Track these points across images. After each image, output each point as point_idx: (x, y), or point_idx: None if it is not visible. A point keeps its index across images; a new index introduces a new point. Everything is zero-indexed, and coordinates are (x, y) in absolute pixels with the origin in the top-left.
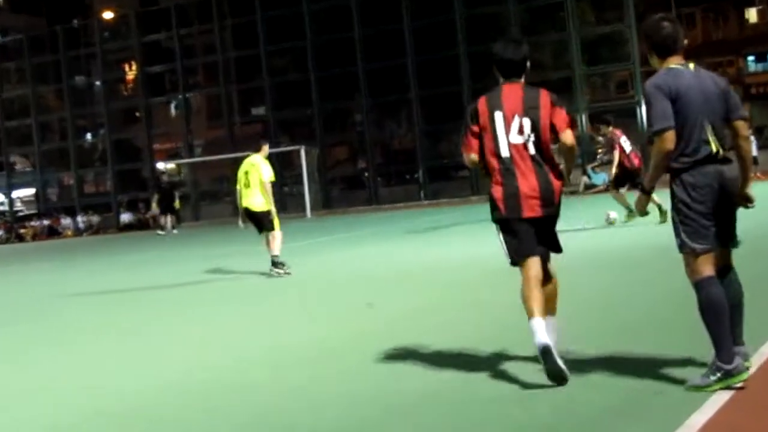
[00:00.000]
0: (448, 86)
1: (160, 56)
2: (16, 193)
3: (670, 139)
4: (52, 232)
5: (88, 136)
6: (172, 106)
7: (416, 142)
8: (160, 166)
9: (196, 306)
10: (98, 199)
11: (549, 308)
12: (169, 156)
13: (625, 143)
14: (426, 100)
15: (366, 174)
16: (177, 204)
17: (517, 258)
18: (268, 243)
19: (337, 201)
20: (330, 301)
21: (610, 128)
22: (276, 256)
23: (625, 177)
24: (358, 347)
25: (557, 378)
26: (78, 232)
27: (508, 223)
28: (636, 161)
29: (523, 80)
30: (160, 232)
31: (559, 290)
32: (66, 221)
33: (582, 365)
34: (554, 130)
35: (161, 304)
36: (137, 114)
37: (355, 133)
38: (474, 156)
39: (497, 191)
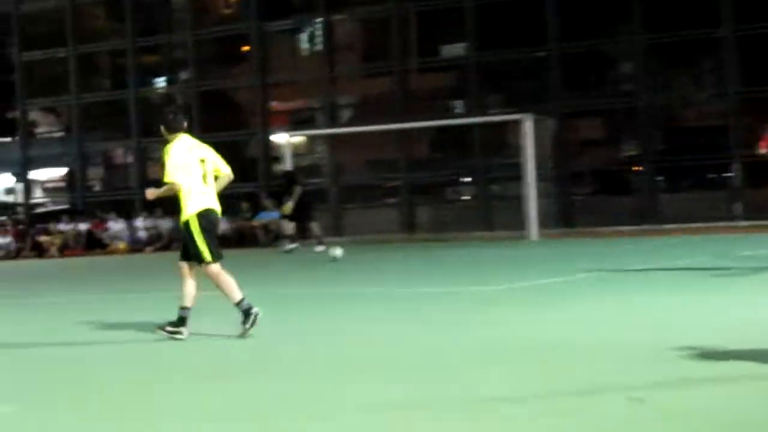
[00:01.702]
0: None
1: None
2: (35, 175)
3: None
4: (94, 244)
5: (161, 81)
6: (303, 36)
7: (730, 115)
8: (280, 139)
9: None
10: None
11: None
12: (295, 123)
13: None
14: (749, 42)
15: (637, 168)
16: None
17: None
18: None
19: (583, 214)
20: (563, 390)
21: None
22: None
23: None
24: None
25: None
26: (136, 244)
27: None
28: None
29: None
30: (290, 245)
31: None
32: (117, 226)
33: None
34: None
35: None
36: (243, 49)
37: (619, 94)
38: None
39: None
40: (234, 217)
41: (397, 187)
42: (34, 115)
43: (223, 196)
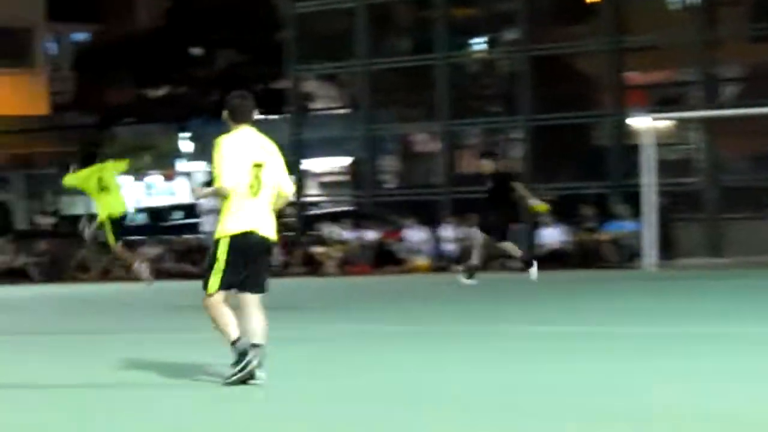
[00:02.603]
0: None
1: None
2: (309, 165)
3: None
4: (385, 259)
5: (479, 43)
6: None
7: None
8: (639, 123)
9: None
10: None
11: None
12: (659, 102)
13: None
14: None
15: None
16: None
17: None
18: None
19: None
20: None
21: None
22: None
23: None
24: None
25: None
26: (440, 260)
27: None
28: None
29: None
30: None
31: None
32: (417, 236)
33: None
34: None
35: None
36: (591, 1)
37: None
38: None
39: None
40: (575, 227)
41: None
42: (308, 85)
43: (563, 199)
